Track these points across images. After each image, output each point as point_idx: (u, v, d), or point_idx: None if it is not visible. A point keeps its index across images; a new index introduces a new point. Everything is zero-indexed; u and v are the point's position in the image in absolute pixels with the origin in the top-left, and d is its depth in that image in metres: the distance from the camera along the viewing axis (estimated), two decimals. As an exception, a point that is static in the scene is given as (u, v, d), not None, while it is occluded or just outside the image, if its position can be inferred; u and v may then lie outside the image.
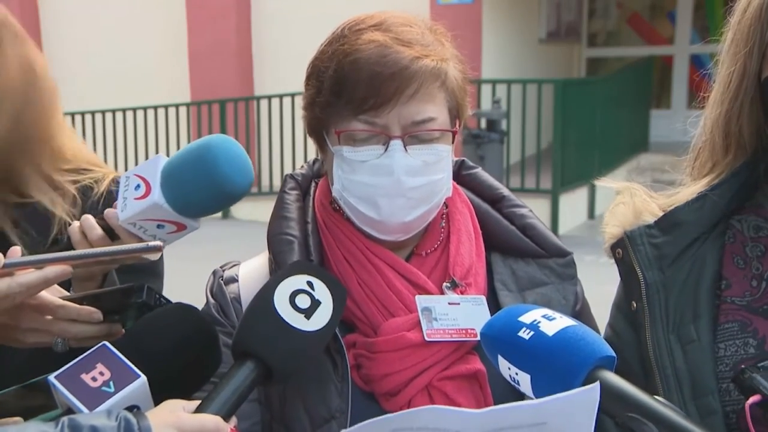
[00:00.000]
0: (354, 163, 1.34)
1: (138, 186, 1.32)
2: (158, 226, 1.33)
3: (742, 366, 1.15)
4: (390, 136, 1.32)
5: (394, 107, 1.31)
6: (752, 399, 1.09)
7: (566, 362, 1.06)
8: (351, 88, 1.32)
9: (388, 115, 1.32)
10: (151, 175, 1.32)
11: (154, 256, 1.27)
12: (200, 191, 1.31)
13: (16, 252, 1.26)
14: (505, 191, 1.52)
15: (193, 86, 11.77)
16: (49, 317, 1.33)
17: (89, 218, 1.41)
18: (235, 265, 1.50)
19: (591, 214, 10.13)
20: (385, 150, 1.33)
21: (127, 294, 1.35)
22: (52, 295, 1.34)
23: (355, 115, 1.33)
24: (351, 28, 1.37)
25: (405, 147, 1.33)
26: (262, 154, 10.81)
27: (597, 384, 0.96)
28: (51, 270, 1.21)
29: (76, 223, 1.42)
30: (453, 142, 1.40)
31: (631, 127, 11.40)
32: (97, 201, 1.67)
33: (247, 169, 1.35)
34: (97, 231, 1.39)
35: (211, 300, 1.45)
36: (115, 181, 1.67)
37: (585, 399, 0.98)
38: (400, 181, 1.33)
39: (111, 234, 1.40)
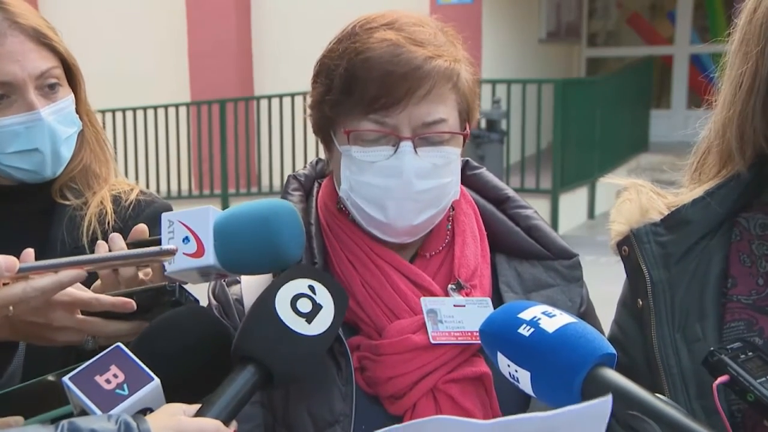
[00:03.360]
0: (363, 163, 1.33)
1: (186, 239, 1.26)
2: (201, 275, 1.30)
3: (711, 348, 1.15)
4: (400, 138, 1.31)
5: (405, 108, 1.29)
6: (720, 379, 1.10)
7: (566, 359, 1.06)
8: (362, 86, 1.30)
9: (399, 116, 1.30)
10: (202, 231, 1.26)
11: (168, 260, 1.27)
12: (256, 259, 1.27)
13: (29, 256, 1.27)
14: (510, 192, 1.51)
15: (193, 86, 11.75)
16: (81, 316, 1.34)
17: (119, 238, 1.40)
18: None
19: (591, 214, 10.12)
20: (395, 151, 1.31)
21: (160, 293, 1.35)
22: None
23: (365, 115, 1.31)
24: (362, 26, 1.35)
25: (415, 149, 1.31)
26: (262, 154, 10.79)
27: (609, 397, 0.95)
28: (65, 274, 1.22)
29: (103, 244, 1.42)
30: (463, 146, 1.39)
31: (631, 127, 11.39)
32: (126, 207, 1.74)
33: (302, 240, 1.32)
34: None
35: (213, 301, 1.44)
36: (142, 192, 1.78)
37: (596, 411, 0.97)
38: (410, 183, 1.31)
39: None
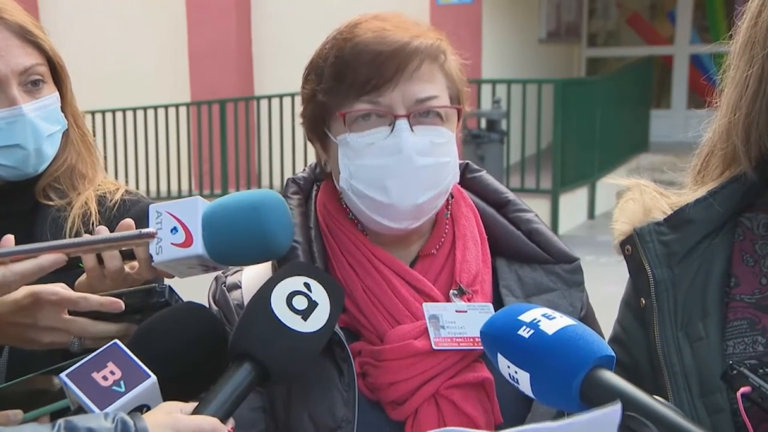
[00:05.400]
0: (360, 147, 1.34)
1: (174, 229, 1.26)
2: (190, 267, 1.31)
3: (730, 362, 1.15)
4: (395, 116, 1.33)
5: (396, 85, 1.32)
6: (743, 389, 1.10)
7: (565, 361, 1.06)
8: (353, 71, 1.32)
9: (392, 94, 1.32)
10: (191, 221, 1.26)
11: (146, 243, 1.27)
12: (245, 249, 1.27)
13: (10, 241, 1.27)
14: (511, 195, 1.51)
15: (193, 86, 11.76)
16: (68, 316, 1.34)
17: (105, 230, 1.39)
18: (237, 271, 1.47)
19: (591, 214, 10.13)
20: (392, 130, 1.33)
21: (149, 294, 1.35)
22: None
23: (358, 97, 1.33)
24: (348, 24, 1.39)
25: (411, 127, 1.33)
26: (262, 155, 10.81)
27: (618, 405, 0.95)
28: (45, 258, 1.23)
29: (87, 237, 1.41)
30: (459, 122, 1.40)
31: (631, 127, 11.40)
32: (111, 207, 1.73)
33: (291, 230, 1.33)
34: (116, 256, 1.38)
35: (214, 306, 1.44)
36: (127, 192, 1.77)
37: (605, 420, 0.96)
38: (410, 159, 1.32)
39: (124, 254, 1.39)
